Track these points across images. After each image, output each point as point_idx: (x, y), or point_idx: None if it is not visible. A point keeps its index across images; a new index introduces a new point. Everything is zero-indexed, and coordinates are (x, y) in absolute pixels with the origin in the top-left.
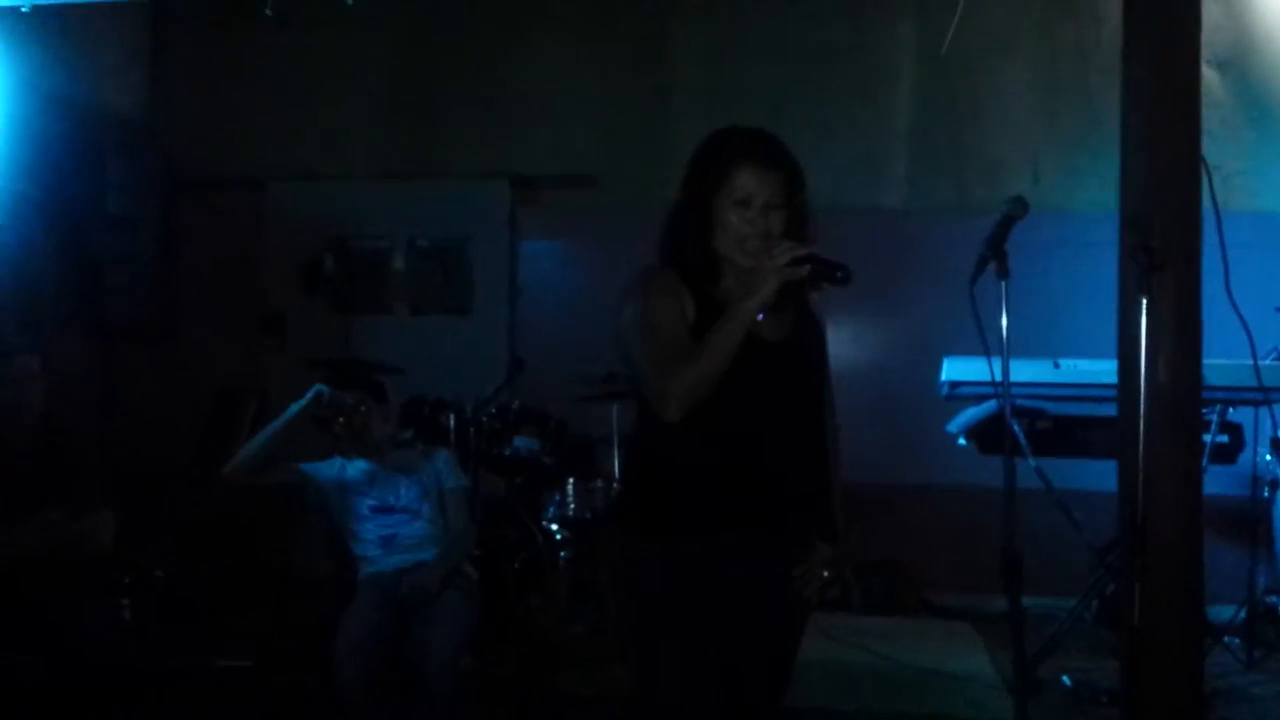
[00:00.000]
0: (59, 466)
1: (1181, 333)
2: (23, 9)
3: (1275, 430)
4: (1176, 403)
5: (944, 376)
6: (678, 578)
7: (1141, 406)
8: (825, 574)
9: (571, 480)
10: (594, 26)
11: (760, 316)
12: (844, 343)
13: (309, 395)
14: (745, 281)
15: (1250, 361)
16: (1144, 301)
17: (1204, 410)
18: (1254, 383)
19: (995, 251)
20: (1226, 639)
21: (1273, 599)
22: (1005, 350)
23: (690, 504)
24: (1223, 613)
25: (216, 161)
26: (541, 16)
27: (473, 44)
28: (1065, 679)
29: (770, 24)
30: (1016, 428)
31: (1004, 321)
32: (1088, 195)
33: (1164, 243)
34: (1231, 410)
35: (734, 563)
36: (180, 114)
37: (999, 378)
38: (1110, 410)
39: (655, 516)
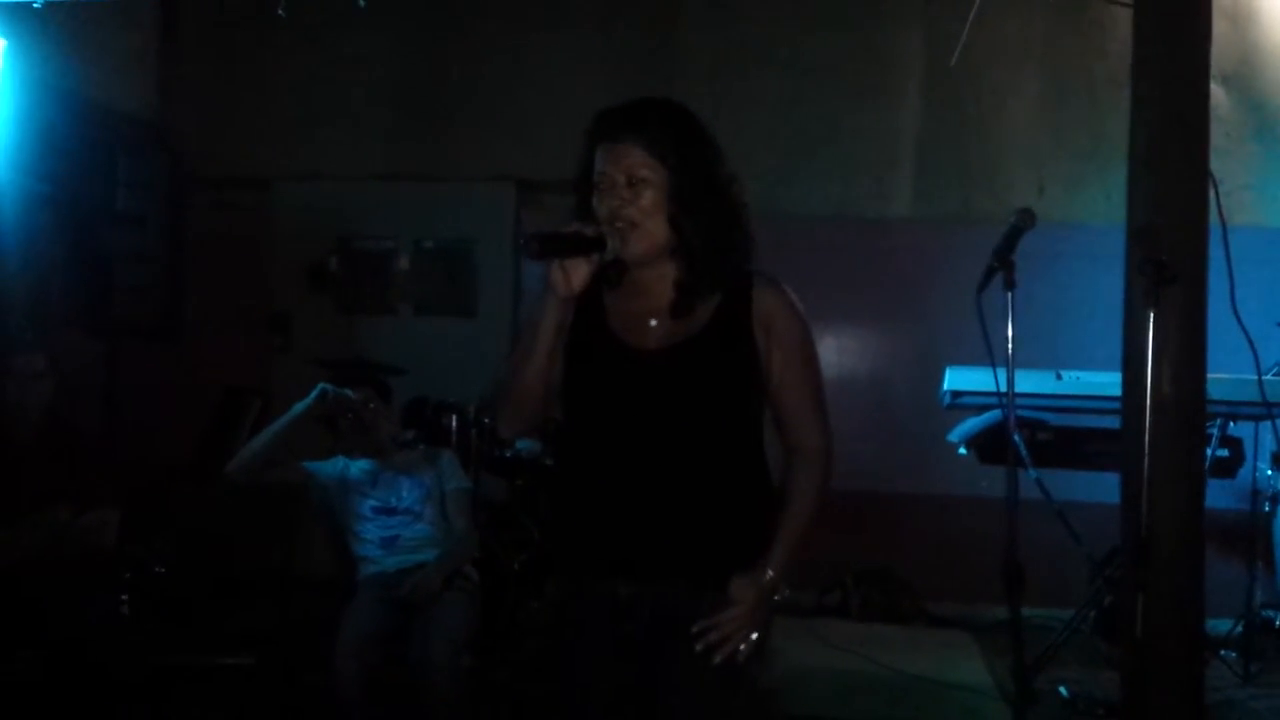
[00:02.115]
0: (65, 463)
1: (1187, 346)
2: (34, 4)
3: (1276, 444)
4: (1180, 416)
5: (946, 386)
6: (559, 618)
7: (1147, 419)
8: (751, 635)
9: None
10: (600, 31)
11: (653, 322)
12: (847, 351)
13: (313, 394)
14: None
15: (1253, 376)
16: (1151, 315)
17: (1205, 424)
18: (1256, 397)
19: (1003, 262)
20: (1224, 652)
21: (1270, 613)
22: (1010, 361)
23: (560, 538)
24: (1220, 626)
25: (225, 161)
26: (547, 22)
27: (479, 48)
28: (1063, 690)
29: (776, 32)
30: (1017, 438)
31: (1009, 332)
32: (1092, 207)
33: (1171, 257)
34: (1232, 424)
35: (603, 609)
36: (190, 113)
37: (1002, 388)
38: (1111, 422)
39: (552, 548)
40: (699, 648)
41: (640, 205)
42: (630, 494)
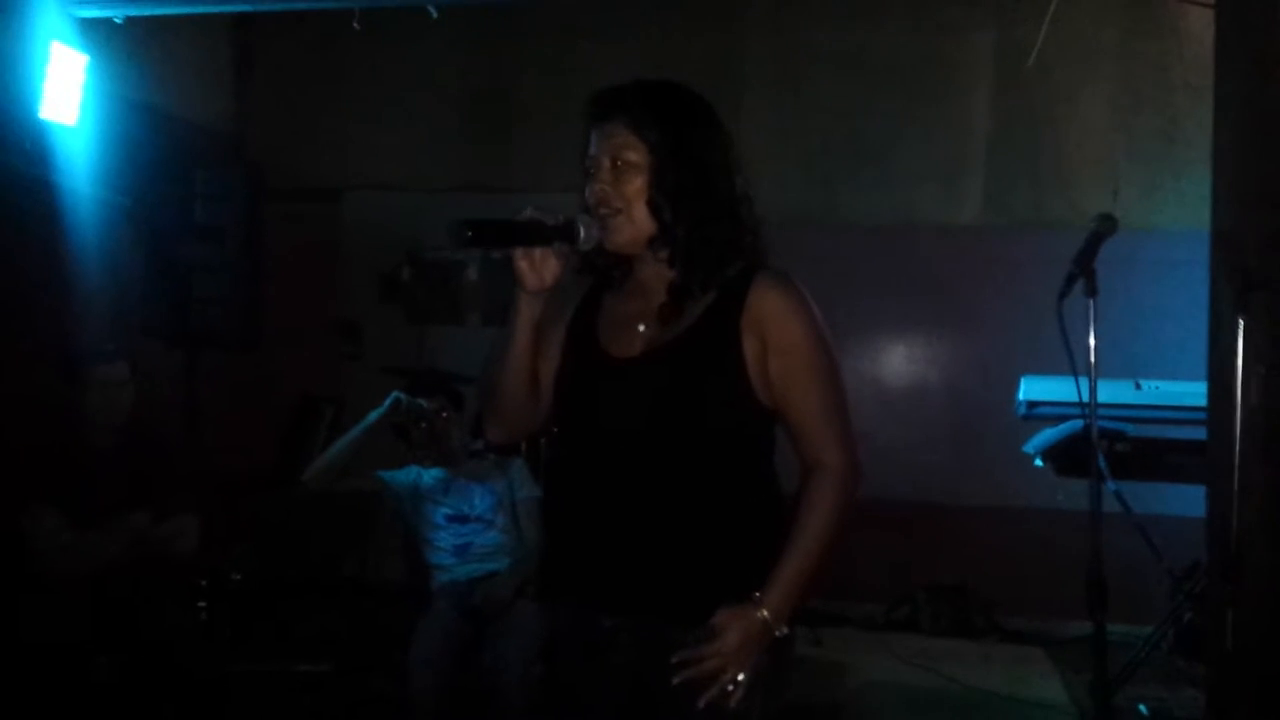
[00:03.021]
0: (145, 470)
1: (1275, 354)
2: (116, 20)
3: None
4: (1270, 426)
5: (1021, 396)
6: (553, 644)
7: (1237, 429)
8: (738, 675)
9: None
10: (667, 41)
11: (642, 327)
12: (917, 360)
13: (388, 402)
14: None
15: None
16: (1240, 322)
17: None
18: None
19: (1084, 269)
20: None
21: None
22: (1093, 370)
23: (544, 561)
24: None
25: (299, 172)
26: (614, 33)
27: (547, 61)
28: (1142, 708)
29: (842, 36)
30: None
31: (1091, 341)
32: (1167, 213)
33: (1258, 262)
34: None
35: (590, 639)
36: (265, 125)
37: (1083, 397)
38: (1191, 433)
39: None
40: (675, 680)
41: (623, 190)
42: (605, 517)
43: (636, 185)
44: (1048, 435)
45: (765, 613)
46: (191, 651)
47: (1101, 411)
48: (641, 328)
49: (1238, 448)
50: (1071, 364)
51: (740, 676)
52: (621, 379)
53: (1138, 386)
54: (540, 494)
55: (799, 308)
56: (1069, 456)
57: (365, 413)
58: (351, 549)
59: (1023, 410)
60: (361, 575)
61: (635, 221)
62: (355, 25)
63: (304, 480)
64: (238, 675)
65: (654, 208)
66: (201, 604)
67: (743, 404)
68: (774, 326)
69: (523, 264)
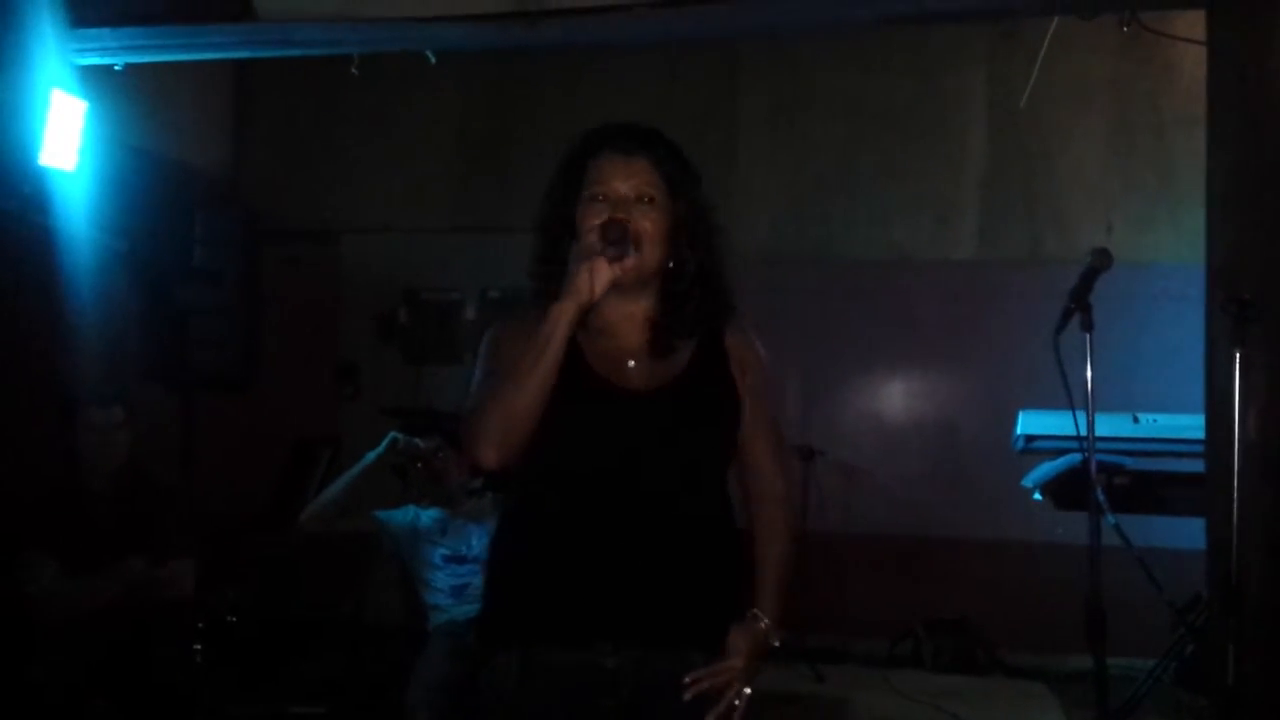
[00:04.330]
0: (142, 514)
1: (1273, 387)
2: (116, 68)
3: None
4: (1268, 459)
5: (1019, 430)
6: (502, 695)
7: (1236, 462)
8: (744, 689)
9: None
10: (662, 85)
11: (631, 363)
12: (915, 395)
13: (385, 443)
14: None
15: None
16: (1238, 354)
17: None
18: None
19: (1080, 304)
20: None
21: None
22: (1090, 404)
23: (526, 602)
24: None
25: (298, 216)
26: (609, 77)
27: (543, 104)
28: None
29: (836, 77)
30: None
31: (1089, 375)
32: (1162, 247)
33: (1254, 295)
34: None
35: (582, 682)
36: (263, 169)
37: (1081, 431)
38: (1189, 466)
39: (490, 615)
40: (687, 696)
41: (642, 225)
42: (620, 551)
43: (654, 221)
44: (1046, 469)
45: (765, 625)
46: (188, 694)
47: (1100, 445)
48: (631, 364)
49: (1236, 480)
50: (1069, 398)
51: (746, 690)
52: (643, 411)
53: (1135, 420)
54: None
55: (762, 354)
56: (1068, 490)
57: (363, 454)
58: (348, 590)
59: (1020, 444)
60: (358, 616)
61: (645, 258)
62: (354, 70)
63: (301, 522)
64: (235, 717)
65: (676, 249)
66: (198, 646)
67: (735, 436)
68: (750, 370)
69: (585, 276)
